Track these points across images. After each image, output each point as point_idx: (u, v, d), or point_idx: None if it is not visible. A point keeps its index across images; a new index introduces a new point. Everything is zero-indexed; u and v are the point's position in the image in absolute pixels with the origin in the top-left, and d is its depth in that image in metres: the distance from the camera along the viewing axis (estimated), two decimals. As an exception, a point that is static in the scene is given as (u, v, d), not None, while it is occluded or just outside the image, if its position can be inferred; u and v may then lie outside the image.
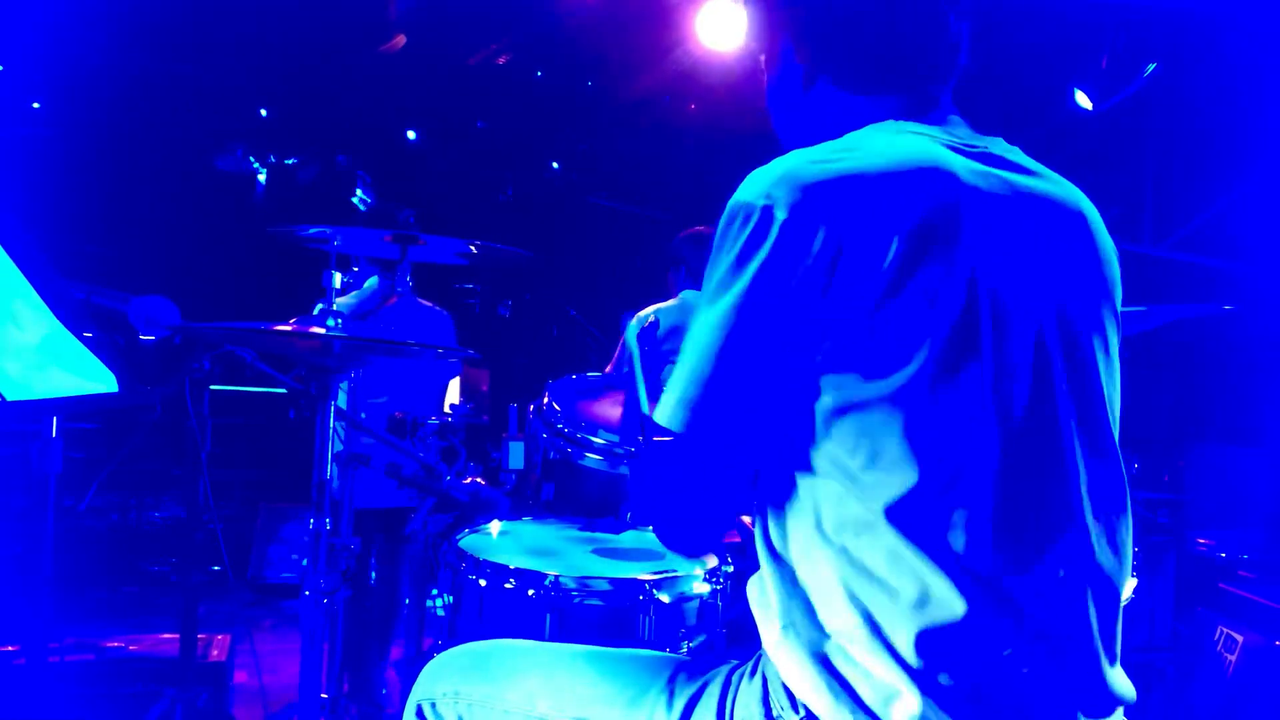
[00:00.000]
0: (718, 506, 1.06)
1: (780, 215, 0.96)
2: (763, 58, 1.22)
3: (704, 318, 0.99)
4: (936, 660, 0.94)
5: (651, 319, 3.42)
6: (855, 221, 0.95)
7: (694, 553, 1.14)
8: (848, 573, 0.97)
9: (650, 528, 1.15)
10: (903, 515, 0.95)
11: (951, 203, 0.99)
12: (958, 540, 0.95)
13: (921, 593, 0.94)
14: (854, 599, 0.97)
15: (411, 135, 5.91)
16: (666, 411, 1.01)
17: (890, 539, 0.95)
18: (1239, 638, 3.08)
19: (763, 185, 0.99)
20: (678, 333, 3.44)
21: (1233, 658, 3.07)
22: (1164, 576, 3.97)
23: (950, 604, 0.94)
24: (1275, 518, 3.98)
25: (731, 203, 1.01)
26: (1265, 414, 4.40)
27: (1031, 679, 0.97)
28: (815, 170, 0.98)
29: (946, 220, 0.97)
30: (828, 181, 0.97)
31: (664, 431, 1.01)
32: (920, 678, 0.94)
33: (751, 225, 0.97)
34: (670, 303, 3.48)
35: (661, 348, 3.36)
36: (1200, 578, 3.63)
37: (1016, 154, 1.11)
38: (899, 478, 0.95)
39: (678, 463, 1.02)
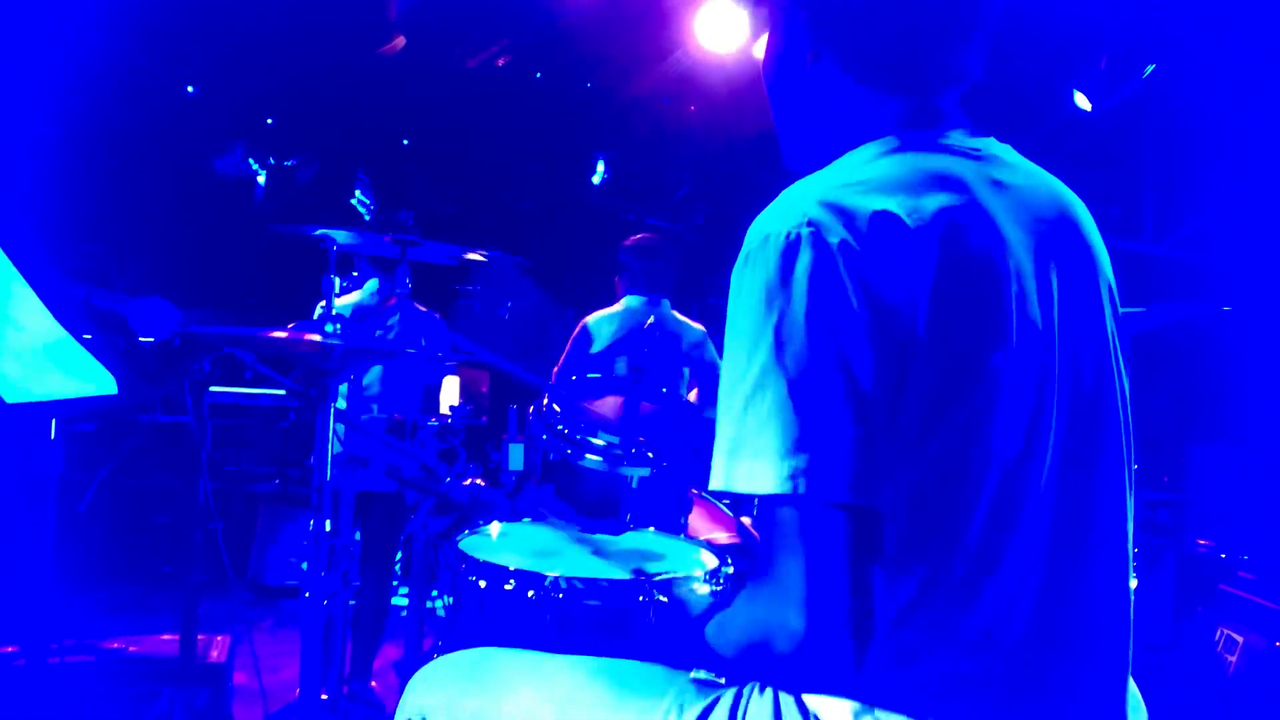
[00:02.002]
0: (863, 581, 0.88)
1: (833, 239, 0.90)
2: (769, 24, 1.16)
3: (759, 358, 0.89)
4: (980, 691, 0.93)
5: (651, 320, 3.45)
6: (890, 241, 0.91)
7: (861, 654, 0.89)
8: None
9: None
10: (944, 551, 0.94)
11: (975, 215, 0.97)
12: (1002, 574, 0.94)
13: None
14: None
15: (405, 142, 5.92)
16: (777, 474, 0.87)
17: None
18: (1239, 638, 3.08)
19: (800, 211, 0.92)
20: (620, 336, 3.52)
21: (1233, 658, 3.07)
22: (1164, 577, 3.97)
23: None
24: (1275, 518, 3.98)
25: (766, 233, 0.93)
26: (1265, 414, 4.39)
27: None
28: (848, 191, 0.94)
29: (973, 236, 0.96)
30: (865, 202, 0.93)
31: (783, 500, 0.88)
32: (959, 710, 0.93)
33: (804, 250, 0.90)
34: (614, 308, 3.58)
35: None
36: (1200, 578, 3.63)
37: (1009, 153, 1.10)
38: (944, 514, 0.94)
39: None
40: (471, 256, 2.37)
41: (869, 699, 0.94)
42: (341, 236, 2.29)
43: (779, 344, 0.89)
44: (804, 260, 0.90)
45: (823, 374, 0.87)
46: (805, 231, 0.91)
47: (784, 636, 0.88)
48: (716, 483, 0.92)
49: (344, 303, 3.23)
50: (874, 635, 0.88)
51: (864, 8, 1.05)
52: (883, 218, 0.92)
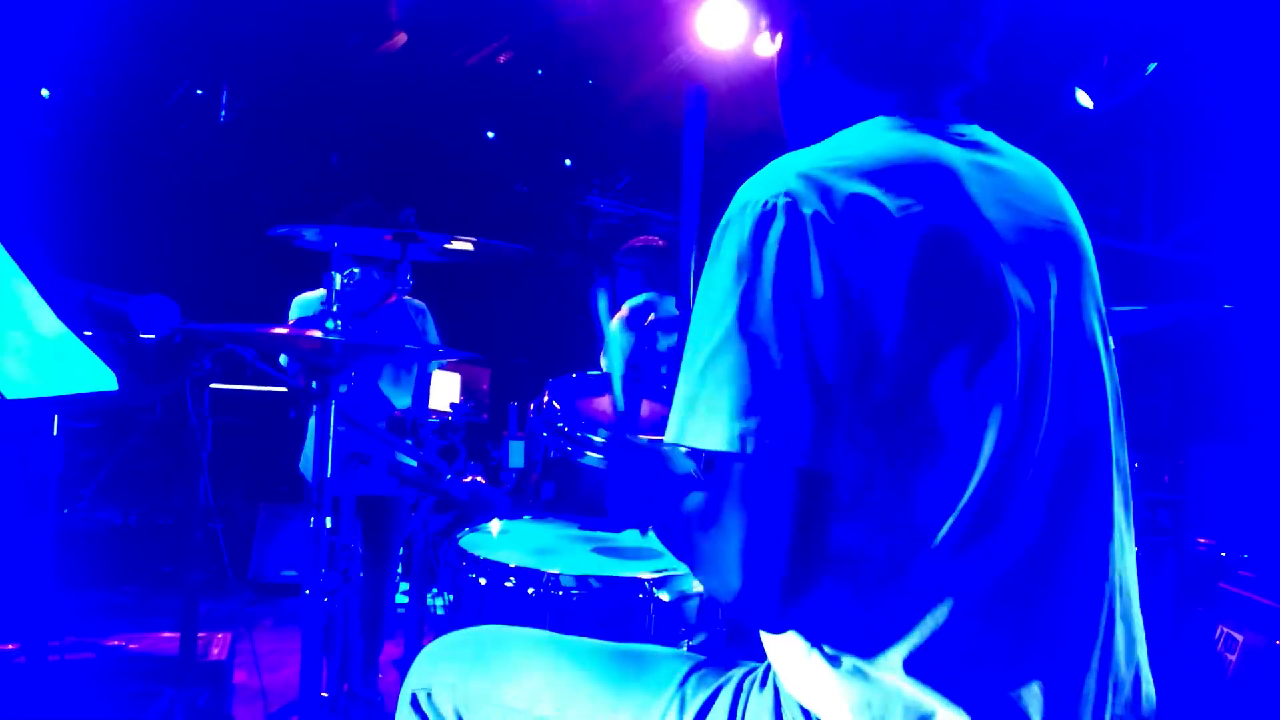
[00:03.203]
0: (808, 544, 0.91)
1: (806, 210, 0.92)
2: (774, 29, 1.18)
3: (724, 320, 0.92)
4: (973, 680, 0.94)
5: (652, 317, 3.45)
6: (867, 220, 0.93)
7: (787, 611, 0.93)
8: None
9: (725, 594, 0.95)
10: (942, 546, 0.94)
11: (957, 196, 0.98)
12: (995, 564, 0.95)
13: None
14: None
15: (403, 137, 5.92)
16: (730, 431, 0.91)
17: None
18: (1239, 637, 3.08)
19: (779, 182, 0.95)
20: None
21: (1233, 657, 3.07)
22: (1164, 576, 3.97)
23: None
24: (1275, 517, 3.98)
25: (746, 200, 0.96)
26: (1265, 414, 4.40)
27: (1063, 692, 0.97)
28: (830, 167, 0.96)
29: (955, 217, 0.97)
30: (845, 180, 0.94)
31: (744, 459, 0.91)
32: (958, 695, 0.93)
33: (778, 219, 0.92)
34: (622, 311, 3.60)
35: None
36: (1200, 578, 3.63)
37: (991, 138, 1.11)
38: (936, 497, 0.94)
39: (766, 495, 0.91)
40: (458, 245, 2.37)
41: (864, 684, 0.95)
42: (338, 241, 2.28)
43: (744, 308, 0.92)
44: (776, 229, 0.93)
45: (781, 340, 0.90)
46: (782, 201, 0.93)
47: (722, 589, 0.93)
48: (671, 435, 0.96)
49: (309, 297, 3.16)
50: (805, 593, 0.92)
51: (858, 6, 1.07)
52: (861, 200, 0.94)
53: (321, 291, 3.16)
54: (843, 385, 0.91)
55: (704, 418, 0.92)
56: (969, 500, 0.94)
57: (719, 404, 0.91)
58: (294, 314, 3.08)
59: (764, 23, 1.21)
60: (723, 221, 0.97)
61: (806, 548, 0.91)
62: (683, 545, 1.05)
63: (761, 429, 0.90)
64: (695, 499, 1.06)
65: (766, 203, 0.94)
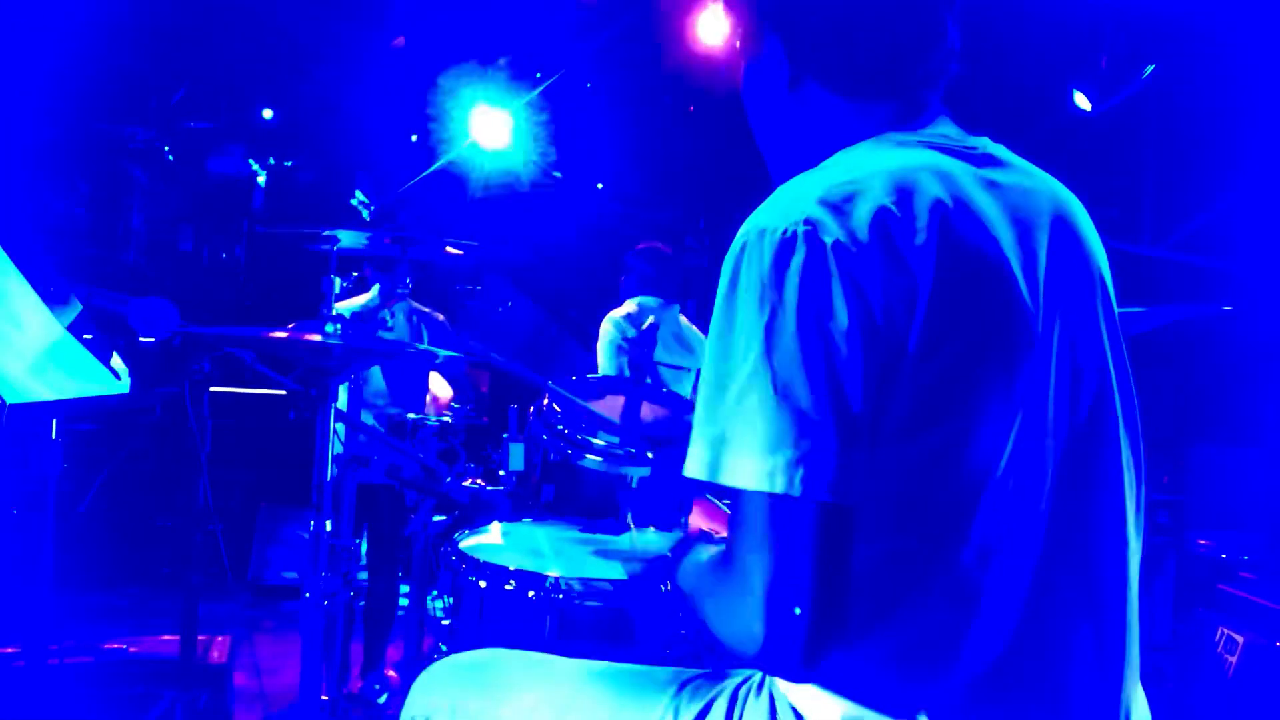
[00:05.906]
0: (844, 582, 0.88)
1: (828, 239, 0.90)
2: (744, 53, 1.16)
3: (749, 354, 0.89)
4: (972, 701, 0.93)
5: (651, 320, 3.45)
6: (887, 239, 0.91)
7: (813, 660, 0.87)
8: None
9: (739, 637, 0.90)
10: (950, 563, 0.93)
11: (968, 213, 0.97)
12: (1000, 580, 0.94)
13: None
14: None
15: (414, 138, 5.92)
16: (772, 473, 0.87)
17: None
18: (1239, 638, 3.08)
19: (797, 209, 0.92)
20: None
21: (1233, 659, 3.07)
22: (1164, 577, 3.97)
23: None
24: (1275, 518, 3.98)
25: (763, 228, 0.92)
26: (1265, 414, 4.40)
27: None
28: (846, 192, 0.94)
29: (968, 234, 0.96)
30: (863, 202, 0.93)
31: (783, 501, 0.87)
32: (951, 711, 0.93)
33: (798, 249, 0.90)
34: (625, 309, 3.61)
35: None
36: (1200, 578, 3.63)
37: (1004, 152, 1.10)
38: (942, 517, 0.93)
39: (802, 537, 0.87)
40: (453, 250, 2.38)
41: (861, 700, 0.94)
42: (345, 237, 2.29)
43: (769, 342, 0.89)
44: (798, 259, 0.90)
45: (809, 374, 0.88)
46: (801, 229, 0.91)
47: (745, 638, 0.88)
48: (697, 472, 0.92)
49: (346, 306, 3.23)
50: (836, 638, 0.87)
51: (836, 26, 1.06)
52: (880, 219, 0.92)
53: (357, 300, 3.20)
54: (867, 415, 0.90)
55: (735, 455, 0.89)
56: (980, 523, 0.93)
57: (749, 441, 0.88)
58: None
59: (739, 42, 1.19)
60: (735, 248, 0.94)
61: (834, 590, 0.87)
62: (698, 597, 1.02)
63: (791, 466, 0.86)
64: (708, 550, 1.05)
65: (786, 230, 0.91)
